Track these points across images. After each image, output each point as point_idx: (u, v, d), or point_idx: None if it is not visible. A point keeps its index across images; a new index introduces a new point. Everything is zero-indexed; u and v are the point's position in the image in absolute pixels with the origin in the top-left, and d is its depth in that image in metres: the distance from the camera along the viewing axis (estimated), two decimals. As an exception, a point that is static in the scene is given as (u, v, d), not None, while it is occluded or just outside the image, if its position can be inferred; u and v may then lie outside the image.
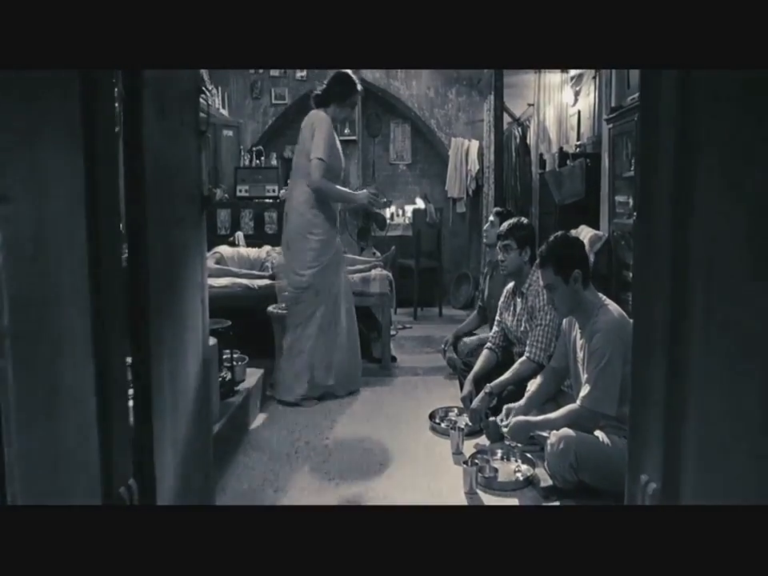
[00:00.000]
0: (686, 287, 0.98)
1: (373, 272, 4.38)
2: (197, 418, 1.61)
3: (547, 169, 5.37)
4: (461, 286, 6.97)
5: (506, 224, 3.09)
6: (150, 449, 1.23)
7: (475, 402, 2.84)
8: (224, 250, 4.61)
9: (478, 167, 6.63)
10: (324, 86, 3.62)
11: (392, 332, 4.82)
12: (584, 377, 2.22)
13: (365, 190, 3.95)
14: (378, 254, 5.75)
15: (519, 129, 6.44)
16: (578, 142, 5.26)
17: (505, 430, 2.41)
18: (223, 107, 6.48)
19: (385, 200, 3.89)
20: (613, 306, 2.26)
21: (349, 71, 3.65)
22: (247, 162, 5.65)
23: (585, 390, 2.15)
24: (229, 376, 2.97)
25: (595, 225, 4.49)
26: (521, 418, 2.36)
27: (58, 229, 0.89)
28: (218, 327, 2.96)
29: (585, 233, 4.38)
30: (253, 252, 4.65)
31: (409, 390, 3.77)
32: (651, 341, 1.11)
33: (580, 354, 2.32)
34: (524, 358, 2.84)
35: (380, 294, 4.17)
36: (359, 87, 3.68)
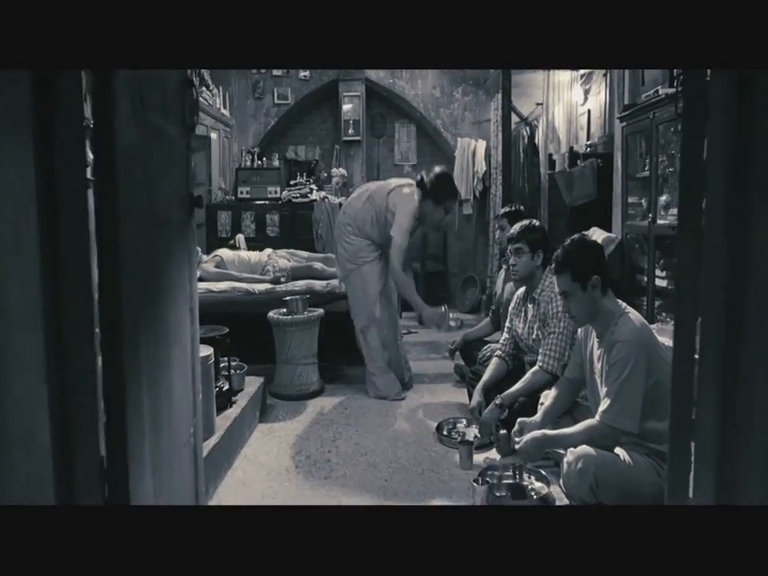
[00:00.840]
0: (746, 290, 0.85)
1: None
2: (184, 438, 1.48)
3: (557, 169, 5.23)
4: (467, 290, 6.83)
5: (517, 226, 2.94)
6: (124, 478, 1.09)
7: (485, 414, 2.70)
8: (224, 253, 4.48)
9: (485, 168, 6.49)
10: (431, 177, 3.59)
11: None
12: (603, 390, 2.07)
13: (436, 310, 3.54)
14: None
15: (527, 129, 6.29)
16: (589, 142, 5.11)
17: (518, 446, 2.26)
18: (224, 107, 6.36)
19: (452, 323, 3.41)
20: (634, 314, 2.11)
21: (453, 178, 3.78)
22: (248, 163, 5.51)
23: (604, 405, 2.00)
24: (226, 386, 2.84)
25: (607, 227, 4.34)
26: (535, 433, 2.21)
27: (3, 232, 0.76)
28: (215, 335, 2.82)
29: (596, 235, 4.22)
30: (254, 255, 4.52)
31: (414, 399, 3.62)
32: (707, 349, 0.97)
33: (598, 365, 2.17)
34: (536, 367, 2.69)
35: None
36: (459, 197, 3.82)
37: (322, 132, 7.25)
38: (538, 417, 2.39)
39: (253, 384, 3.25)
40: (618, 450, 2.04)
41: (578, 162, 4.73)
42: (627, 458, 2.01)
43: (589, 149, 4.91)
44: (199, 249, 4.51)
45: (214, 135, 5.81)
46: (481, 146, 6.56)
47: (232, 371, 3.11)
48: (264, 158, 5.62)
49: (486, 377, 2.99)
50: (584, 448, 1.99)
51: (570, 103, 5.58)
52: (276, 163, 5.54)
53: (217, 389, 2.73)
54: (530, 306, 2.93)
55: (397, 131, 7.24)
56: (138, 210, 1.15)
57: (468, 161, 6.61)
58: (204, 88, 5.69)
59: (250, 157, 5.56)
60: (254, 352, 3.66)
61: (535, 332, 2.84)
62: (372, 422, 3.22)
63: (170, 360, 1.34)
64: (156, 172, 1.29)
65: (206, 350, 2.49)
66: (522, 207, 3.86)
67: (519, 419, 2.41)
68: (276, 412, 3.38)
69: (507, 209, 3.78)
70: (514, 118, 6.14)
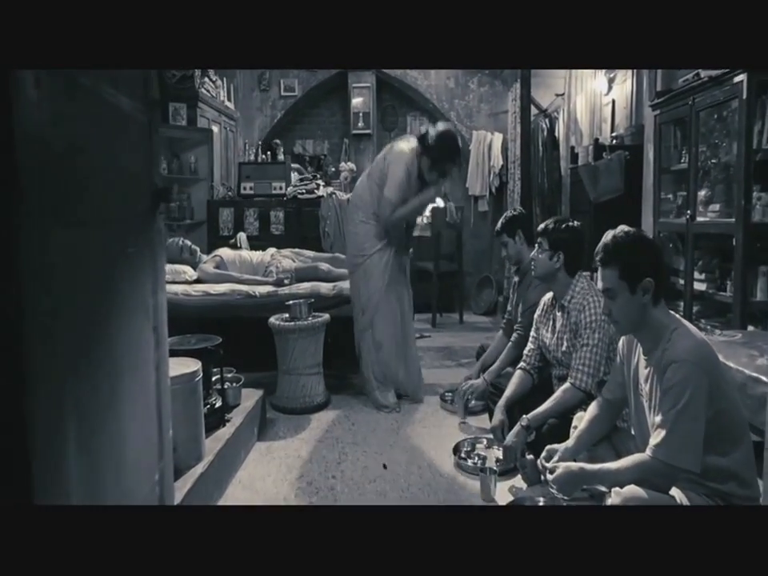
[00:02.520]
0: None
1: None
2: (144, 492, 1.18)
3: (580, 163, 4.89)
4: (482, 291, 6.51)
5: (550, 220, 2.62)
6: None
7: (510, 438, 2.38)
8: (224, 252, 4.19)
9: (501, 162, 6.17)
10: (433, 133, 3.32)
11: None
12: (653, 417, 1.75)
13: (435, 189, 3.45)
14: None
15: (547, 121, 5.97)
16: (614, 134, 4.77)
17: (549, 477, 1.94)
18: (228, 100, 6.09)
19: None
20: (691, 328, 1.78)
21: (458, 140, 3.47)
22: (252, 158, 5.22)
23: (658, 437, 1.67)
24: (219, 402, 2.54)
25: (636, 225, 3.99)
26: (570, 465, 1.90)
27: None
28: (207, 346, 2.53)
29: (625, 233, 3.89)
30: (256, 255, 4.22)
31: (429, 413, 3.31)
32: None
33: (645, 387, 1.85)
34: (567, 384, 2.37)
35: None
36: (458, 161, 3.52)
37: (331, 125, 6.96)
38: (570, 442, 2.07)
39: (251, 397, 2.96)
40: (673, 492, 1.72)
41: (604, 154, 4.41)
42: (685, 500, 1.69)
43: (614, 141, 4.57)
44: (198, 249, 4.23)
45: (215, 128, 5.54)
46: (497, 138, 6.24)
47: (227, 384, 2.83)
48: (268, 152, 5.32)
49: (508, 392, 2.68)
50: (633, 489, 1.67)
51: (594, 93, 5.24)
52: (281, 157, 5.23)
53: (207, 407, 2.44)
54: (558, 314, 2.61)
55: (409, 124, 6.94)
56: (60, 206, 0.85)
57: (483, 155, 6.29)
58: (206, 78, 5.41)
59: (254, 151, 5.26)
60: (255, 360, 3.40)
61: (565, 343, 2.52)
62: (382, 440, 2.91)
63: (118, 397, 1.04)
64: (98, 156, 0.99)
65: (191, 365, 2.20)
66: (519, 209, 3.43)
67: (549, 446, 2.10)
68: (277, 428, 3.09)
69: (502, 221, 3.20)
70: (533, 110, 5.81)
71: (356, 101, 6.48)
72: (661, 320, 1.79)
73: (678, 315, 1.85)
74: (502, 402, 2.66)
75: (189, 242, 4.17)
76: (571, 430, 2.20)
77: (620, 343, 2.05)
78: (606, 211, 4.24)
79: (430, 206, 6.18)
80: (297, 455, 2.74)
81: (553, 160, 5.89)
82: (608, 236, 1.84)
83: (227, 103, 6.10)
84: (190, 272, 3.98)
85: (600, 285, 1.88)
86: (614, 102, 4.96)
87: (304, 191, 4.82)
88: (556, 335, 2.59)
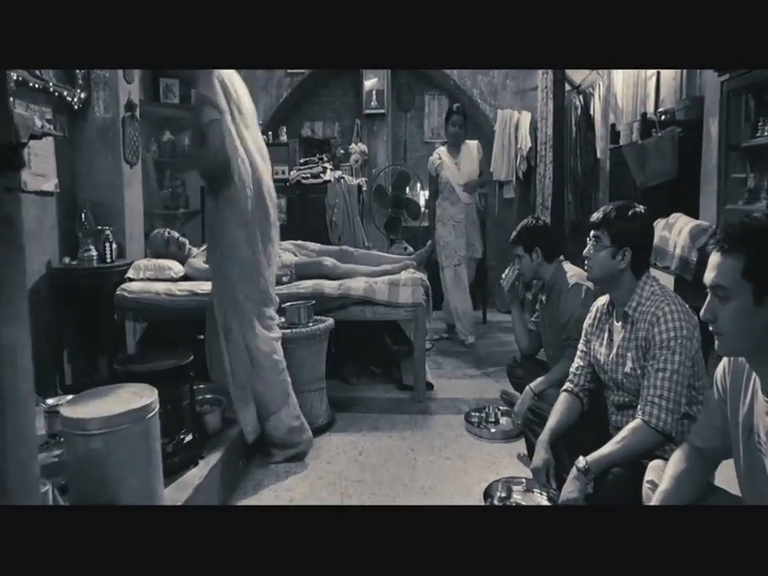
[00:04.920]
0: None
1: (403, 275, 3.40)
2: None
3: (622, 142, 4.30)
4: (508, 286, 5.93)
5: (610, 206, 2.05)
6: None
7: (566, 493, 1.83)
8: (216, 246, 3.67)
9: (530, 144, 5.57)
10: None
11: (427, 344, 3.84)
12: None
13: None
14: (411, 249, 4.76)
15: (580, 98, 5.36)
16: (661, 109, 4.17)
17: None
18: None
19: None
20: None
21: None
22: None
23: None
24: (189, 437, 2.02)
25: (694, 213, 3.43)
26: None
27: None
28: (172, 364, 2.01)
29: (681, 223, 3.31)
30: (252, 248, 3.69)
31: (450, 438, 2.77)
32: None
33: (765, 438, 1.29)
34: (638, 422, 1.81)
35: (412, 305, 3.17)
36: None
37: (342, 106, 6.39)
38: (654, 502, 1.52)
39: (236, 422, 2.44)
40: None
41: (653, 132, 3.81)
42: None
43: (663, 116, 3.96)
44: (187, 241, 3.71)
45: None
46: (525, 118, 5.63)
47: (206, 407, 2.32)
48: (269, 133, 4.78)
49: (552, 422, 2.12)
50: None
51: (636, 64, 4.63)
52: (284, 138, 4.69)
53: (173, 443, 1.93)
54: (616, 324, 2.05)
55: (427, 104, 6.37)
56: None
57: (510, 136, 5.70)
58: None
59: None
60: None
61: (629, 363, 1.96)
62: (395, 476, 2.38)
63: None
64: None
65: (144, 396, 1.68)
66: (541, 220, 2.84)
67: None
68: (269, 457, 2.57)
69: (520, 230, 2.73)
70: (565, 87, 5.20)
71: (369, 79, 5.92)
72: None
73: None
74: (545, 435, 2.11)
75: (176, 234, 3.66)
76: (644, 484, 1.65)
77: (719, 370, 1.48)
78: (656, 197, 3.66)
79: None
80: (289, 497, 2.22)
81: (587, 141, 5.29)
82: (730, 223, 1.28)
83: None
84: (176, 268, 3.47)
85: (709, 277, 1.31)
86: (658, 73, 4.36)
87: (309, 175, 4.28)
88: (614, 351, 2.03)
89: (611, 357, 2.04)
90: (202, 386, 2.53)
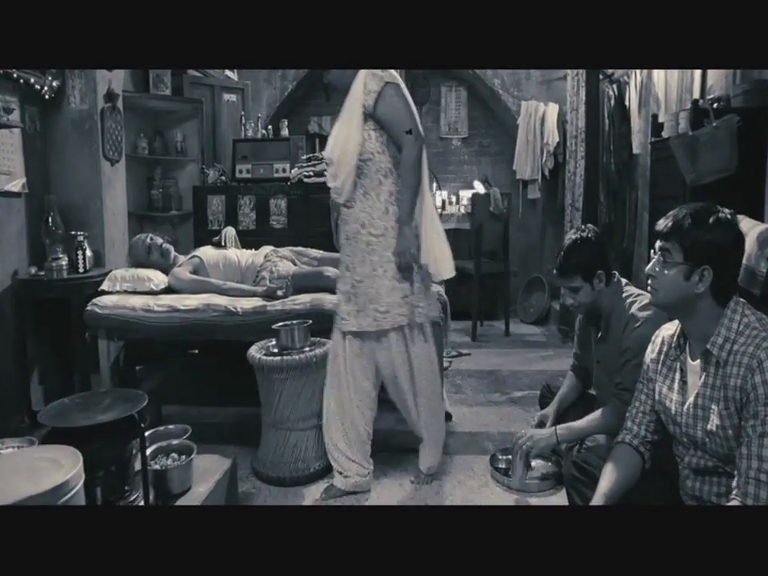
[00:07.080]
0: None
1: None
2: None
3: (666, 134, 3.79)
4: (531, 295, 5.47)
5: (687, 216, 1.55)
6: None
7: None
8: (205, 253, 3.24)
9: (557, 139, 5.08)
10: None
11: (444, 363, 3.37)
12: None
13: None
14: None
15: (614, 88, 4.85)
16: (710, 96, 3.66)
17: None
18: (231, 69, 5.15)
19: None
20: None
21: None
22: (251, 134, 4.24)
23: None
24: (141, 502, 1.57)
25: (758, 215, 2.93)
26: None
27: None
28: (113, 417, 1.55)
29: (744, 227, 2.77)
30: (246, 256, 3.25)
31: (474, 488, 2.29)
32: None
33: None
34: (734, 501, 1.34)
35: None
36: None
37: (352, 100, 5.95)
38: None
39: (211, 473, 1.99)
40: None
41: (705, 121, 3.31)
42: None
43: (716, 104, 3.45)
44: (172, 248, 3.28)
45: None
46: (552, 110, 5.15)
47: (171, 461, 1.87)
48: (269, 127, 4.34)
49: (606, 483, 1.64)
50: None
51: (680, 47, 4.12)
52: (285, 133, 4.25)
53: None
54: (692, 362, 1.57)
55: (443, 97, 5.92)
56: None
57: (535, 130, 5.22)
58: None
59: (252, 125, 4.28)
60: (236, 397, 2.48)
61: (714, 420, 1.47)
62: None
63: None
64: None
65: (62, 466, 1.23)
66: (590, 230, 2.11)
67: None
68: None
69: (568, 255, 2.05)
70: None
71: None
72: None
73: None
74: (598, 498, 1.63)
75: (159, 240, 3.23)
76: None
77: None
78: (708, 197, 3.08)
79: (467, 195, 5.13)
80: None
81: (621, 135, 4.78)
82: None
83: (228, 73, 5.17)
84: (157, 279, 3.04)
85: None
86: (706, 57, 3.85)
87: (312, 173, 3.82)
88: (691, 401, 1.55)
89: (687, 407, 1.56)
90: (171, 427, 2.10)
